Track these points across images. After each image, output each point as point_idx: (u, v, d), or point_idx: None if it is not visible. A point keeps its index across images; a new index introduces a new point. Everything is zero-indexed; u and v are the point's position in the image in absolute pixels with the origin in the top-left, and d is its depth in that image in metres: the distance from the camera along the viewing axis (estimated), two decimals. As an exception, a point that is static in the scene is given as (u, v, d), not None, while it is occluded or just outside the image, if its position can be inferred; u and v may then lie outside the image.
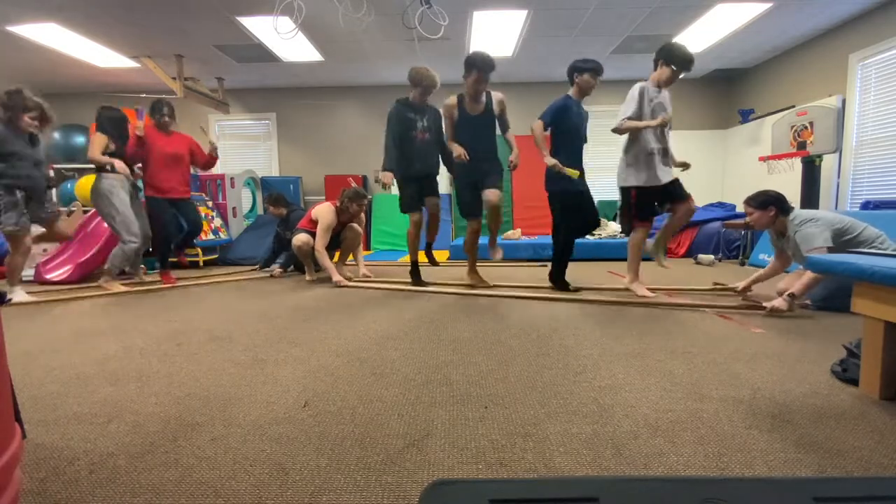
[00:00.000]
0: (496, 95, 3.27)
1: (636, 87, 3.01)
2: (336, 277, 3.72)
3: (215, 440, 1.22)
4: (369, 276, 4.11)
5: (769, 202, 2.70)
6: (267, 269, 4.57)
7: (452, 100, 3.24)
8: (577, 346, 2.02)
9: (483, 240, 3.60)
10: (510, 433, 1.24)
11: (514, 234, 5.85)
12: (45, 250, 4.41)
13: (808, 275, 2.47)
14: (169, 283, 3.93)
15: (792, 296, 2.49)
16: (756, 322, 2.40)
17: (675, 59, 3.01)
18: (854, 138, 4.81)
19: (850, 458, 1.11)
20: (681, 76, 3.09)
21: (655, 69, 3.10)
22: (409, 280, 3.67)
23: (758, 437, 1.21)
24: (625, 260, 3.26)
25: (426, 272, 3.84)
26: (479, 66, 3.07)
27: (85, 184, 5.93)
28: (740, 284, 3.09)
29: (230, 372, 1.74)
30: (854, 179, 4.86)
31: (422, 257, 3.78)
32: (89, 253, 4.29)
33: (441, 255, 5.84)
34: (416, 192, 3.51)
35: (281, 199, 4.57)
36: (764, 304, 2.60)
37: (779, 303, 2.52)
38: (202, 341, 2.16)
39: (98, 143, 3.51)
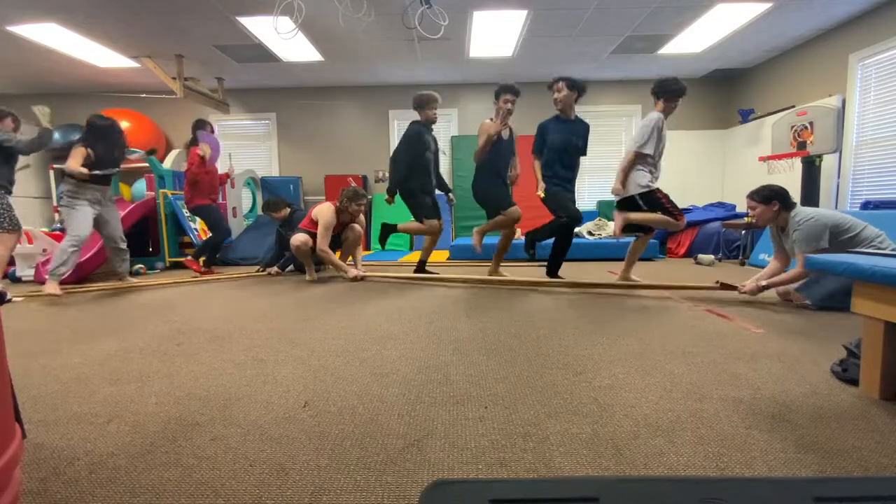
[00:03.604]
0: (513, 128, 3.73)
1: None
2: (353, 272, 3.87)
3: (215, 440, 1.22)
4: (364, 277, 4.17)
5: (773, 197, 2.71)
6: (269, 267, 4.55)
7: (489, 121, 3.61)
8: (576, 345, 2.02)
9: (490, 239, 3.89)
10: (510, 433, 1.24)
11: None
12: (44, 251, 4.41)
13: (793, 270, 2.67)
14: (208, 274, 4.46)
15: (766, 287, 2.78)
16: (756, 322, 2.40)
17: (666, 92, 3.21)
18: (854, 138, 4.80)
19: (850, 458, 1.11)
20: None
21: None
22: (420, 274, 3.98)
23: (758, 437, 1.21)
24: (623, 260, 3.42)
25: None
26: (507, 89, 3.51)
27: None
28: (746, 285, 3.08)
29: (230, 372, 1.74)
30: (854, 179, 4.86)
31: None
32: (89, 253, 4.29)
33: (441, 255, 5.85)
34: (433, 203, 3.90)
35: (280, 202, 4.51)
36: (737, 287, 2.88)
37: (749, 286, 2.83)
38: (202, 341, 2.16)
39: (78, 156, 3.49)
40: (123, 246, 3.92)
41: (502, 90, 3.54)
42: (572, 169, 3.43)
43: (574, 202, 3.46)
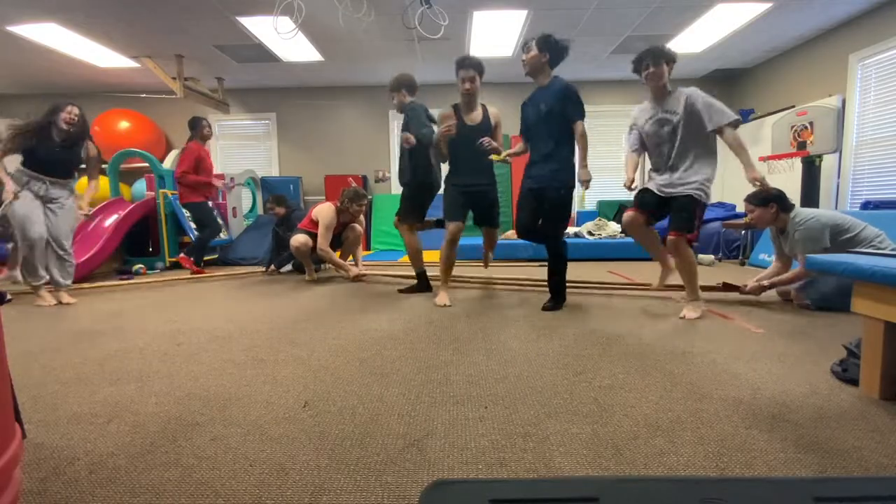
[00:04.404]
0: (493, 111, 3.04)
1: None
2: (354, 272, 3.81)
3: (215, 440, 1.22)
4: (365, 276, 4.13)
5: (770, 199, 2.72)
6: (279, 269, 4.56)
7: (447, 110, 3.01)
8: (576, 345, 2.02)
9: (473, 240, 3.55)
10: (510, 433, 1.24)
11: (513, 235, 5.84)
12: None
13: (794, 270, 2.71)
14: (198, 272, 4.46)
15: (768, 287, 2.85)
16: (756, 322, 2.40)
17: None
18: (854, 138, 4.80)
19: (850, 458, 1.11)
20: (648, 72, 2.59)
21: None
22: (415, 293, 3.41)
23: (758, 437, 1.21)
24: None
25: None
26: (460, 64, 2.86)
27: (83, 184, 5.95)
28: (748, 285, 2.99)
29: (230, 372, 1.74)
30: (854, 179, 4.86)
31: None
32: (89, 252, 4.29)
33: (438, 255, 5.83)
34: (411, 201, 3.40)
35: (283, 199, 4.61)
36: (740, 288, 2.93)
37: (751, 286, 2.89)
38: (202, 341, 2.16)
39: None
40: (67, 253, 3.22)
41: (456, 66, 2.86)
42: (548, 141, 2.73)
43: (555, 177, 2.84)
